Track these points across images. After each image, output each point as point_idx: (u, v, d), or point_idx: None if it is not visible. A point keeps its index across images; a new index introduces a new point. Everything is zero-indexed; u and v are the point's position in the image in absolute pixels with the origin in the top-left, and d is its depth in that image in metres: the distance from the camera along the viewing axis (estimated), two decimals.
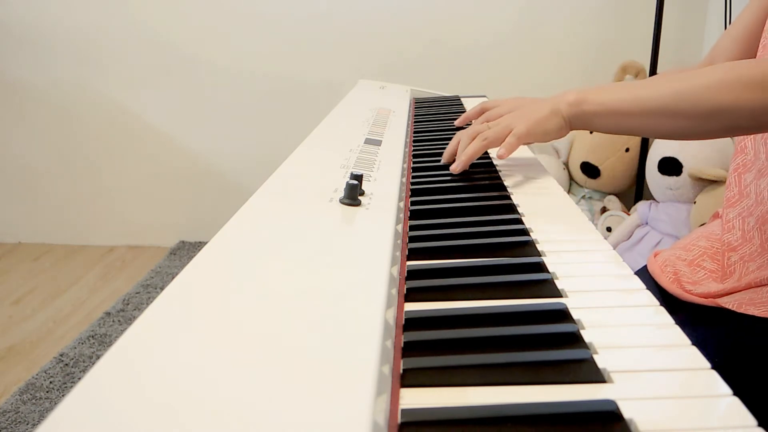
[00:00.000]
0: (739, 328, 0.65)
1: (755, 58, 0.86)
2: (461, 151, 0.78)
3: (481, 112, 0.98)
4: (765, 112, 0.60)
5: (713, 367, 0.37)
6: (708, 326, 0.68)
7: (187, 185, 2.38)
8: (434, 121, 1.13)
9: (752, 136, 0.75)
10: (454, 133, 1.01)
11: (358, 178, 0.61)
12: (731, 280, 0.72)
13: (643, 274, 0.83)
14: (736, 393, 0.34)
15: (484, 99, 1.35)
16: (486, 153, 0.89)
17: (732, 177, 0.78)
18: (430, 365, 0.38)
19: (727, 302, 0.67)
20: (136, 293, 1.99)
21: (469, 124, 1.03)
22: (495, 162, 0.86)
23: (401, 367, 0.37)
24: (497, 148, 0.76)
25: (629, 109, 0.69)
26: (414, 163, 0.85)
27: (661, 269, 0.80)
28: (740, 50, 0.87)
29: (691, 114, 0.64)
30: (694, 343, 0.40)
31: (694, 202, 1.74)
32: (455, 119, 1.13)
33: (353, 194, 0.58)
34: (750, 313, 0.64)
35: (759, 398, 0.47)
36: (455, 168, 0.77)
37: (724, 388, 0.35)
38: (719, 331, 0.67)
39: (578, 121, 0.73)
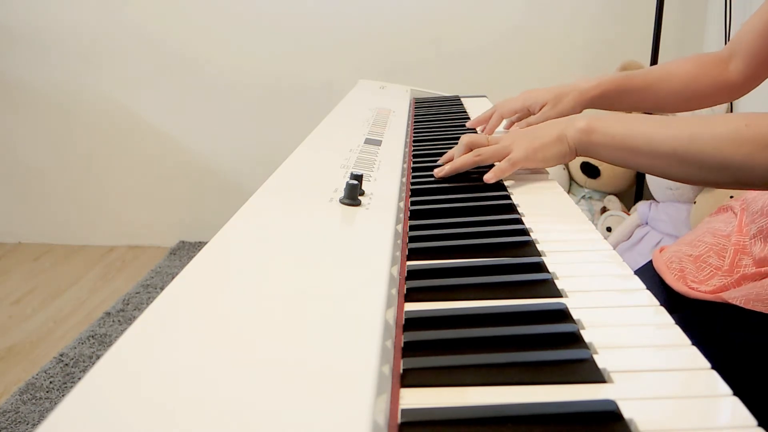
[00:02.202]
0: (745, 324, 0.65)
1: None
2: (452, 159, 0.78)
3: (494, 112, 0.98)
4: None
5: (718, 365, 0.37)
6: (714, 323, 0.68)
7: (187, 185, 2.38)
8: (434, 121, 1.13)
9: None
10: (454, 134, 1.01)
11: (358, 178, 0.61)
12: (734, 276, 0.72)
13: (648, 270, 0.83)
14: (740, 392, 0.34)
15: (485, 99, 1.35)
16: None
17: None
18: (430, 365, 0.38)
19: (734, 298, 0.66)
20: (136, 293, 1.99)
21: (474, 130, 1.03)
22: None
23: (401, 367, 0.37)
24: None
25: (638, 147, 0.66)
26: (414, 163, 0.85)
27: (667, 266, 0.79)
28: (762, 43, 0.84)
29: (702, 164, 0.62)
30: (700, 340, 0.40)
31: (694, 202, 1.74)
32: (455, 119, 1.13)
33: (353, 194, 0.58)
34: (758, 310, 0.63)
35: (762, 397, 0.47)
36: (438, 173, 0.76)
37: (724, 388, 0.35)
38: (726, 328, 0.67)
39: (584, 149, 0.71)
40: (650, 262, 0.84)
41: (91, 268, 2.24)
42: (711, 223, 0.84)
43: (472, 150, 0.77)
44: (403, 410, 0.34)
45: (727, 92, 0.91)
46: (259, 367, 0.32)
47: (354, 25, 2.17)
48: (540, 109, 0.95)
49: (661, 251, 0.84)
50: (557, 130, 0.72)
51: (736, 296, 0.66)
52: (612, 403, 0.33)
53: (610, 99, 0.94)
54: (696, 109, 0.99)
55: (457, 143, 0.80)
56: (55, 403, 1.45)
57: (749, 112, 0.65)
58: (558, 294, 0.47)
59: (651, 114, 1.98)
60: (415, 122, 1.13)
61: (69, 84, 2.28)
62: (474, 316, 0.43)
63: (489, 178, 0.73)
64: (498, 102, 1.00)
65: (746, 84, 0.89)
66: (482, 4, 2.12)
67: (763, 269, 0.68)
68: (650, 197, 1.92)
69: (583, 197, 2.02)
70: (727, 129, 0.60)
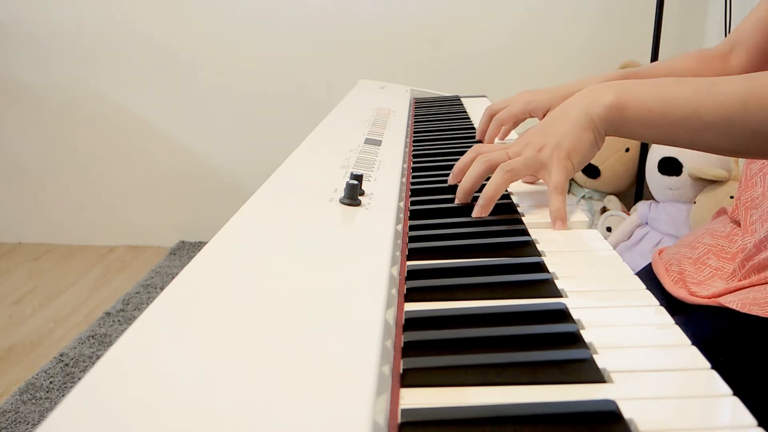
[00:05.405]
0: (742, 327, 0.65)
1: None
2: (469, 177, 0.66)
3: (489, 118, 0.94)
4: None
5: (716, 367, 0.37)
6: (711, 326, 0.68)
7: (187, 185, 2.38)
8: (434, 121, 1.13)
9: None
10: (453, 134, 1.01)
11: (358, 178, 0.61)
12: (734, 279, 0.71)
13: (647, 273, 0.82)
14: (737, 393, 0.34)
15: (484, 99, 1.35)
16: None
17: (757, 177, 0.74)
18: (430, 365, 0.38)
19: (731, 302, 0.66)
20: (136, 293, 1.99)
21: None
22: None
23: (401, 367, 0.37)
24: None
25: (682, 120, 0.57)
26: (414, 163, 0.85)
27: (666, 269, 0.79)
28: (765, 35, 0.84)
29: (758, 132, 0.54)
30: (697, 343, 0.40)
31: (694, 202, 1.74)
32: (455, 119, 1.13)
33: (353, 194, 0.58)
34: (754, 314, 0.63)
35: (760, 398, 0.47)
36: (477, 213, 0.62)
37: (724, 388, 0.35)
38: (722, 331, 0.67)
39: (613, 128, 0.60)
40: (649, 265, 0.84)
41: (91, 268, 2.24)
42: (710, 224, 0.84)
43: (486, 164, 0.64)
44: (403, 410, 0.34)
45: None
46: (259, 366, 0.32)
47: (354, 25, 2.17)
48: (544, 116, 0.91)
49: (660, 253, 0.83)
50: (581, 114, 0.60)
51: (732, 300, 0.66)
52: (612, 403, 0.33)
53: None
54: None
55: (457, 142, 0.78)
56: (55, 403, 1.45)
57: None
58: (558, 294, 0.47)
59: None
60: (415, 122, 1.13)
61: (69, 84, 2.28)
62: (474, 316, 0.43)
63: (559, 228, 0.60)
64: (492, 106, 0.94)
65: None
66: (482, 4, 2.12)
67: (757, 276, 0.68)
68: (650, 197, 1.92)
69: (583, 197, 2.02)
70: None
